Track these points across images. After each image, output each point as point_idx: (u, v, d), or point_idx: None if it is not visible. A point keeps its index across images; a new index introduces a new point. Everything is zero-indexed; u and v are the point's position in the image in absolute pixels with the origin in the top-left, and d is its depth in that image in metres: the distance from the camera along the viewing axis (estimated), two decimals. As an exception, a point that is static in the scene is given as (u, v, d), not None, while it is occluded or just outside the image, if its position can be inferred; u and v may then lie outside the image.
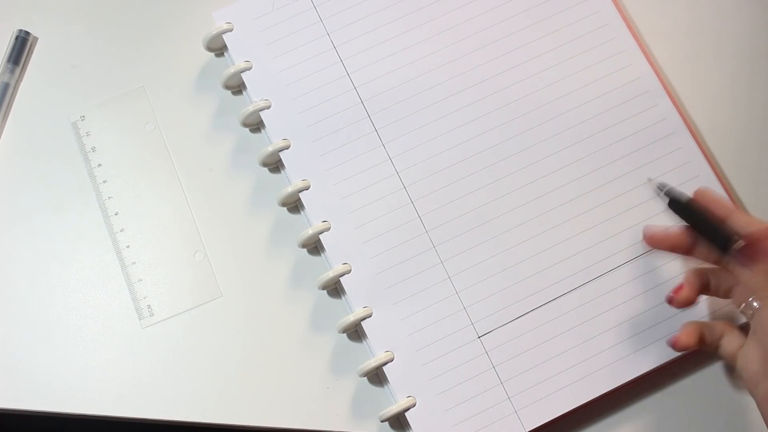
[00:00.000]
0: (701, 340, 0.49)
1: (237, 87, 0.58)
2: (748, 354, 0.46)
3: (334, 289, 0.55)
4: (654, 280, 0.53)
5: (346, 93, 0.55)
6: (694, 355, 0.52)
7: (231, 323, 0.54)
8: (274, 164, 0.57)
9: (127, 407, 0.52)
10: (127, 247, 0.55)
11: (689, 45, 0.59)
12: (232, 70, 0.55)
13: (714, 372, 0.53)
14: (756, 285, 0.46)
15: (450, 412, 0.51)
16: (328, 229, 0.53)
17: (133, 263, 0.55)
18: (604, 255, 0.53)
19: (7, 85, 0.57)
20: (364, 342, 0.53)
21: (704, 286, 0.49)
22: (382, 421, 0.51)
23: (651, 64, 0.56)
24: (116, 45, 0.59)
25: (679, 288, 0.49)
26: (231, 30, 0.56)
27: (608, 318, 0.52)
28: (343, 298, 0.54)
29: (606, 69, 0.56)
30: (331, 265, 0.53)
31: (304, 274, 0.55)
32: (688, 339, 0.49)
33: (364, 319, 0.52)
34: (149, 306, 0.54)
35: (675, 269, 0.53)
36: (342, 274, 0.52)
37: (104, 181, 0.56)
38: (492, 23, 0.57)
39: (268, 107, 0.55)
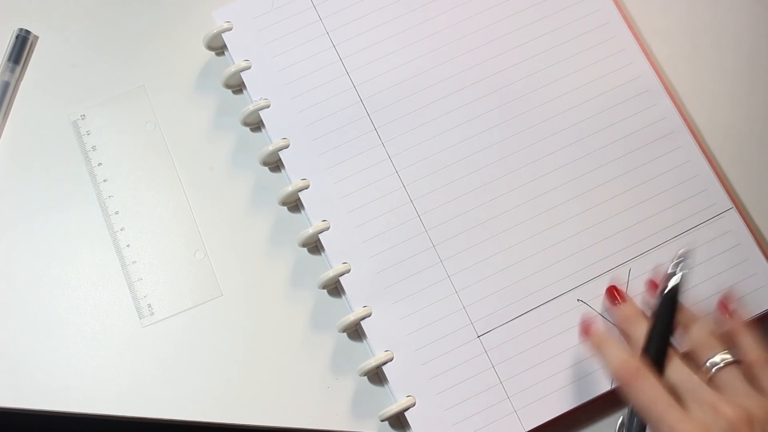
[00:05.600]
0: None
1: (237, 86, 0.58)
2: None
3: (335, 288, 0.55)
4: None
5: (345, 92, 0.55)
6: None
7: (231, 322, 0.54)
8: (275, 163, 0.57)
9: (127, 406, 0.52)
10: (128, 246, 0.55)
11: (689, 44, 0.59)
12: (231, 69, 0.55)
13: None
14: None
15: (449, 412, 0.51)
16: (327, 228, 0.53)
17: (134, 262, 0.55)
18: (604, 254, 0.53)
19: (7, 84, 0.57)
20: (365, 341, 0.53)
21: None
22: (382, 421, 0.51)
23: (651, 63, 0.56)
24: (116, 44, 0.59)
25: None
26: (230, 29, 0.56)
27: (608, 317, 0.52)
28: (343, 297, 0.54)
29: (606, 68, 0.56)
30: (331, 265, 0.53)
31: (304, 274, 0.55)
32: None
33: (363, 318, 0.52)
34: (149, 305, 0.54)
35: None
36: (341, 274, 0.52)
37: (104, 180, 0.56)
38: (491, 22, 0.56)
39: (268, 106, 0.55)
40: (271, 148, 0.54)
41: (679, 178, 0.54)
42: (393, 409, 0.51)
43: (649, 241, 0.53)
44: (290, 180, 0.54)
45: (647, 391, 0.42)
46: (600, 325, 0.49)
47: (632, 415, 0.44)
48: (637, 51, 0.56)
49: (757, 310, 0.52)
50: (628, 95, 0.56)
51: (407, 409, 0.51)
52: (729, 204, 0.54)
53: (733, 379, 0.43)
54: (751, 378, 0.44)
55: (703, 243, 0.53)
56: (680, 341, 0.46)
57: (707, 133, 0.57)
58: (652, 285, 0.51)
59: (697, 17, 0.60)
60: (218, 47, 0.58)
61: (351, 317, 0.52)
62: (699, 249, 0.53)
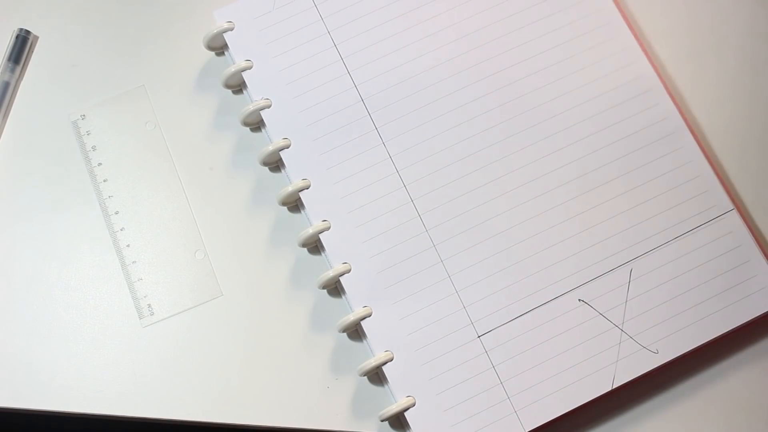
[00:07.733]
0: None
1: (237, 86, 0.58)
2: None
3: (335, 288, 0.55)
4: (655, 280, 0.53)
5: (346, 91, 0.55)
6: (694, 355, 0.52)
7: (231, 322, 0.54)
8: (275, 163, 0.56)
9: (127, 406, 0.52)
10: (128, 246, 0.55)
11: (690, 44, 0.59)
12: (232, 69, 0.55)
13: (714, 374, 0.53)
14: None
15: (449, 412, 0.50)
16: (327, 228, 0.53)
17: (134, 262, 0.55)
18: (605, 254, 0.53)
19: (7, 84, 0.57)
20: (365, 341, 0.53)
21: None
22: (382, 421, 0.51)
23: (651, 63, 0.56)
24: (117, 44, 0.59)
25: None
26: (232, 29, 0.56)
27: (609, 317, 0.52)
28: (343, 297, 0.54)
29: (607, 68, 0.56)
30: (331, 265, 0.53)
31: (304, 274, 0.55)
32: None
33: (363, 318, 0.52)
34: (149, 305, 0.54)
35: (676, 269, 0.53)
36: (341, 274, 0.52)
37: (104, 180, 0.56)
38: (492, 21, 0.56)
39: (269, 106, 0.55)
40: (271, 148, 0.54)
41: (680, 179, 0.54)
42: (393, 409, 0.50)
43: (651, 242, 0.53)
44: (290, 180, 0.54)
45: None
46: None
47: None
48: (638, 51, 0.56)
49: (758, 312, 0.52)
50: (629, 95, 0.56)
51: (407, 409, 0.51)
52: (730, 205, 0.54)
53: None
54: None
55: (704, 244, 0.53)
56: None
57: (708, 133, 0.57)
58: None
59: (697, 17, 0.60)
60: (218, 47, 0.58)
61: (351, 317, 0.52)
62: (700, 250, 0.53)
